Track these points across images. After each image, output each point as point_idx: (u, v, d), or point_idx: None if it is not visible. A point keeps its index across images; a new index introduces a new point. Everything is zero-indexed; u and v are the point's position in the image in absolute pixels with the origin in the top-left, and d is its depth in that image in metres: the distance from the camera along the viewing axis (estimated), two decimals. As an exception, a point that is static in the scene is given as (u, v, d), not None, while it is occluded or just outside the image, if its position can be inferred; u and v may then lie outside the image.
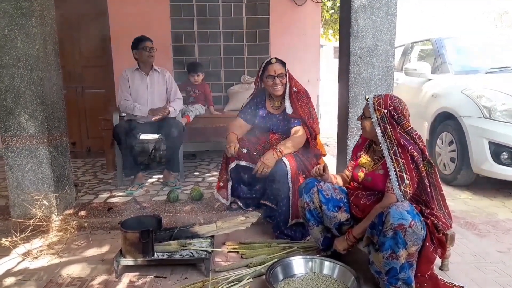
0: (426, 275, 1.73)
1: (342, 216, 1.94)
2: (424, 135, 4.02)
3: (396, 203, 1.64)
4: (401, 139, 1.74)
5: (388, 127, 1.77)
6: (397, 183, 1.72)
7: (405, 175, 1.72)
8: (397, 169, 1.73)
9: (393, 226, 1.58)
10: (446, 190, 3.48)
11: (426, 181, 1.78)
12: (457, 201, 3.21)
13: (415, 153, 1.73)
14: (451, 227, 1.83)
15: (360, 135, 2.10)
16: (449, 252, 1.94)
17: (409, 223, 1.57)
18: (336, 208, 1.93)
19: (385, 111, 1.78)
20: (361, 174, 1.93)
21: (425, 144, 1.83)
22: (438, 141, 3.78)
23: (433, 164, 1.82)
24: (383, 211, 1.66)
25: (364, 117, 1.88)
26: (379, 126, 1.79)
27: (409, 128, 1.80)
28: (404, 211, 1.59)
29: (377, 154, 1.91)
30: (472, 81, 3.65)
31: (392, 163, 1.74)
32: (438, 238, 1.74)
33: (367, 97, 1.88)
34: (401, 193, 1.71)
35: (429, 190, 1.78)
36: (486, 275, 1.94)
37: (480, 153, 3.19)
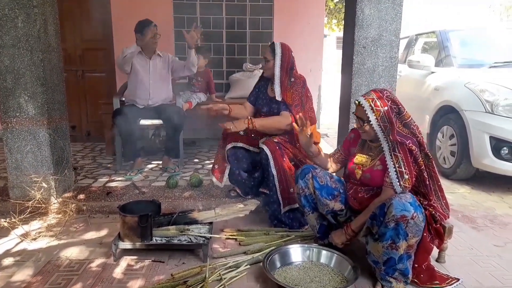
0: (423, 266, 1.73)
1: (336, 205, 1.94)
2: (425, 128, 4.01)
3: (399, 194, 1.64)
4: (398, 137, 1.70)
5: (388, 126, 1.72)
6: (397, 179, 1.71)
7: (404, 170, 1.71)
8: (397, 165, 1.71)
9: (395, 217, 1.57)
10: (445, 183, 3.48)
11: (425, 174, 1.77)
12: (456, 195, 3.22)
13: (413, 146, 1.72)
14: (448, 217, 1.83)
15: (351, 129, 2.06)
16: (446, 244, 1.94)
17: (412, 215, 1.57)
18: (330, 196, 1.93)
19: (385, 108, 1.72)
20: (358, 172, 1.90)
21: (423, 136, 1.81)
22: (439, 135, 3.78)
23: (431, 156, 1.81)
24: (385, 202, 1.65)
25: (364, 122, 1.79)
26: (380, 127, 1.74)
27: (409, 119, 1.77)
28: (407, 202, 1.59)
29: (374, 151, 1.88)
30: (476, 75, 3.63)
31: (391, 160, 1.72)
32: (435, 229, 1.74)
33: (357, 101, 1.80)
34: (401, 188, 1.71)
35: (428, 183, 1.78)
36: (482, 268, 1.95)
37: (481, 147, 3.19)
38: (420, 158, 1.74)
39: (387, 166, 1.74)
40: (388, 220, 1.59)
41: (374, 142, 1.85)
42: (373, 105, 1.73)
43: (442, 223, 1.78)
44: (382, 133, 1.75)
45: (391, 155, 1.73)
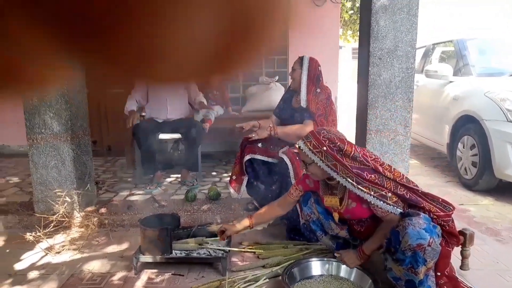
0: (445, 272, 1.69)
1: (342, 233, 1.95)
2: (445, 139, 3.95)
3: (412, 221, 1.57)
4: (354, 170, 1.68)
5: (337, 164, 1.71)
6: (385, 203, 1.68)
7: (383, 192, 1.68)
8: (373, 193, 1.68)
9: (411, 246, 1.54)
10: (467, 195, 3.41)
11: (399, 191, 1.71)
12: (479, 206, 3.14)
13: (372, 176, 1.69)
14: (453, 209, 1.74)
15: (303, 174, 2.04)
16: (468, 251, 1.89)
17: (428, 242, 1.53)
18: (334, 221, 1.93)
19: (324, 148, 1.72)
20: (336, 215, 1.89)
21: (374, 158, 1.77)
22: (459, 145, 3.71)
23: (390, 176, 1.73)
24: (398, 230, 1.61)
25: (307, 164, 1.82)
26: (329, 166, 1.72)
27: (352, 152, 1.72)
28: (421, 229, 1.54)
29: (336, 188, 1.86)
30: (496, 83, 3.57)
31: (364, 192, 1.69)
32: (447, 232, 1.69)
33: (297, 145, 1.83)
34: (397, 208, 1.68)
35: (407, 196, 1.71)
36: (509, 283, 1.89)
37: (503, 157, 3.12)
38: (385, 182, 1.70)
39: (363, 199, 1.72)
40: (405, 249, 1.56)
41: (331, 180, 1.83)
42: (311, 148, 1.75)
43: (450, 223, 1.72)
44: (335, 172, 1.72)
45: (360, 189, 1.69)
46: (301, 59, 2.61)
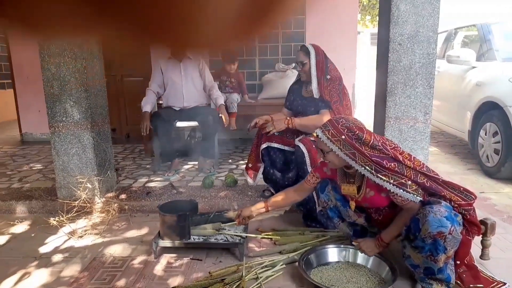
0: (465, 261, 1.67)
1: (359, 220, 1.93)
2: (467, 126, 3.85)
3: (433, 209, 1.55)
4: (373, 158, 1.65)
5: (356, 152, 1.67)
6: (404, 191, 1.65)
7: (402, 181, 1.65)
8: (392, 181, 1.65)
9: (431, 234, 1.52)
10: (489, 183, 3.33)
11: (419, 179, 1.68)
12: (500, 194, 3.06)
13: (392, 164, 1.65)
14: (475, 198, 1.70)
15: (320, 162, 2.01)
16: (489, 241, 1.86)
17: (449, 230, 1.51)
18: (351, 208, 1.92)
19: (343, 137, 1.69)
20: (353, 204, 1.87)
21: (394, 146, 1.73)
22: (482, 132, 3.61)
23: (411, 165, 1.70)
24: (418, 217, 1.60)
25: (325, 152, 1.78)
26: (347, 156, 1.69)
27: (371, 141, 1.68)
28: (442, 217, 1.52)
29: (354, 176, 1.84)
30: (521, 68, 3.44)
31: (383, 180, 1.66)
32: (467, 221, 1.66)
33: (315, 133, 1.79)
34: (417, 196, 1.65)
35: (428, 185, 1.68)
36: (531, 272, 1.86)
37: (528, 145, 3.03)
38: (405, 170, 1.67)
39: (382, 188, 1.69)
40: (425, 236, 1.55)
41: (349, 168, 1.80)
42: (329, 136, 1.72)
43: (471, 212, 1.68)
44: (353, 160, 1.69)
45: (379, 177, 1.66)
46: (304, 50, 2.53)
